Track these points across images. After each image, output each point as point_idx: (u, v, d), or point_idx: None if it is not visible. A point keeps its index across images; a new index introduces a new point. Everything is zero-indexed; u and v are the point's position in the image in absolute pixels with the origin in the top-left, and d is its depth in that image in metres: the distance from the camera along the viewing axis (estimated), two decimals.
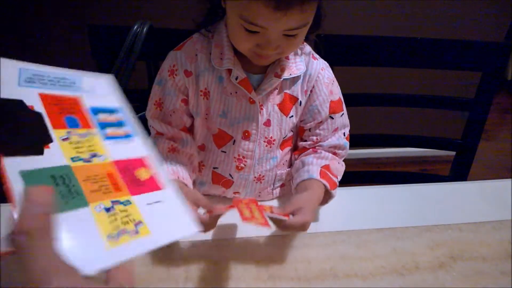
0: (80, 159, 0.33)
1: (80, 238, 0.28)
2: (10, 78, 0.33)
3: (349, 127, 0.74)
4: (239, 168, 0.70)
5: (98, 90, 0.39)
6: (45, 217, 0.26)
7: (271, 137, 0.69)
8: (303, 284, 0.55)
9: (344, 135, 0.72)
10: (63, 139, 0.33)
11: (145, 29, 0.83)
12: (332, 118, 0.70)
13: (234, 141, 0.68)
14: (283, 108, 0.68)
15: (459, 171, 1.03)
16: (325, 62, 0.72)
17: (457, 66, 0.98)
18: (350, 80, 1.10)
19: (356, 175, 1.07)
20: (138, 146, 0.38)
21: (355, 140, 1.01)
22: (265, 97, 0.66)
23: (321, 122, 0.70)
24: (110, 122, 0.38)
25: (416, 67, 1.00)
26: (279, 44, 0.58)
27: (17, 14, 1.40)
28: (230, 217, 0.67)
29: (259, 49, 0.59)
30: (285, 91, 0.68)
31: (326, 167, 0.67)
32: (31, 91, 0.34)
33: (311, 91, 0.69)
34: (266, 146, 0.69)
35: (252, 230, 0.64)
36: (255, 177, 0.71)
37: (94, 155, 0.35)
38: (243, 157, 0.69)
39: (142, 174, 0.36)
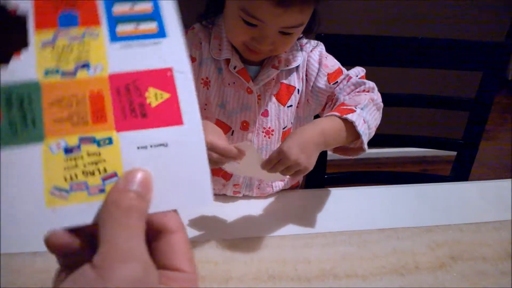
0: (58, 72, 0.24)
1: (16, 188, 0.21)
2: None
3: (364, 71, 0.72)
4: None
5: None
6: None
7: (269, 127, 0.70)
8: (303, 284, 0.55)
9: (358, 77, 0.70)
10: (45, 44, 0.24)
11: None
12: (337, 82, 0.69)
13: (233, 131, 0.69)
14: (280, 98, 0.69)
15: (459, 171, 1.03)
16: (317, 42, 0.73)
17: (457, 66, 0.97)
18: None
19: (356, 175, 1.07)
20: (165, 53, 0.25)
21: None
22: (262, 87, 0.68)
23: (332, 91, 0.70)
24: (129, 15, 0.26)
25: (416, 67, 1.00)
26: (274, 40, 0.59)
27: None
28: (230, 217, 0.68)
29: (254, 43, 0.60)
30: (282, 81, 0.69)
31: (340, 104, 0.65)
32: None
33: (306, 75, 0.70)
34: (265, 136, 0.70)
35: (252, 230, 0.64)
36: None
37: (83, 66, 0.24)
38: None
39: (153, 97, 0.24)
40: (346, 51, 0.94)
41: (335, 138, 0.59)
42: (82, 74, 0.24)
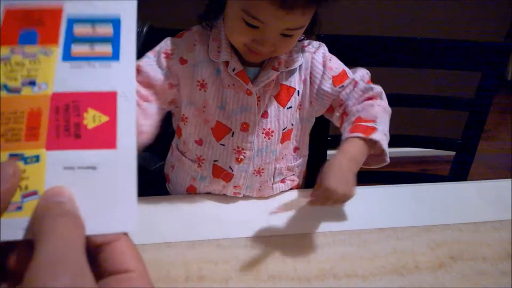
0: (5, 88, 0.24)
1: None
2: None
3: (369, 74, 0.73)
4: (239, 160, 0.71)
5: None
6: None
7: (269, 129, 0.70)
8: (303, 284, 0.55)
9: (364, 81, 0.71)
10: (1, 60, 0.25)
11: (145, 29, 0.83)
12: (343, 86, 0.70)
13: (233, 133, 0.69)
14: (280, 100, 0.69)
15: (459, 171, 1.03)
16: (320, 43, 0.73)
17: (457, 66, 0.98)
18: None
19: (356, 175, 1.07)
20: (113, 76, 0.25)
21: None
22: (261, 89, 0.67)
23: (337, 95, 0.70)
24: (88, 37, 0.26)
25: (416, 67, 1.00)
26: (275, 42, 0.59)
27: None
28: (230, 217, 0.68)
29: (254, 45, 0.60)
30: (282, 82, 0.69)
31: (357, 119, 0.65)
32: None
33: (310, 77, 0.70)
34: (265, 137, 0.70)
35: (252, 230, 0.64)
36: (254, 170, 0.72)
37: (30, 83, 0.24)
38: (242, 149, 0.70)
39: (91, 119, 0.24)
40: (346, 51, 0.94)
41: (363, 159, 0.61)
42: (26, 91, 0.24)
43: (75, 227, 0.21)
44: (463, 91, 1.12)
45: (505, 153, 2.02)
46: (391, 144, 1.04)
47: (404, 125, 1.47)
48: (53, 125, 0.23)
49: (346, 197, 0.58)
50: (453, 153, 1.04)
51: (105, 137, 0.23)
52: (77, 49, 0.26)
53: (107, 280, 0.21)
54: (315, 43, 0.72)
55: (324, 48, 0.72)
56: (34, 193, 0.22)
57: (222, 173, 0.72)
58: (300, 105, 0.71)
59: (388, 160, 0.64)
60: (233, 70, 0.65)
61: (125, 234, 0.23)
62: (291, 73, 0.69)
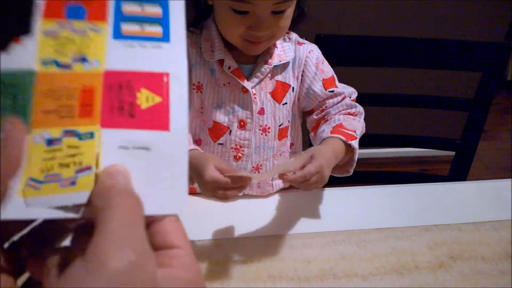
0: (55, 63, 0.24)
1: None
2: None
3: (356, 93, 0.75)
4: (237, 158, 0.71)
5: None
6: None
7: (266, 125, 0.70)
8: (303, 284, 0.55)
9: (350, 98, 0.73)
10: (48, 33, 0.24)
11: None
12: (333, 91, 0.72)
13: (230, 131, 0.69)
14: (276, 96, 0.70)
15: (458, 171, 1.03)
16: (313, 44, 0.74)
17: (457, 66, 0.98)
18: (350, 80, 1.10)
19: (356, 175, 1.07)
20: (164, 58, 0.25)
21: None
22: (257, 86, 0.68)
23: (324, 99, 0.72)
24: (137, 16, 0.26)
25: (416, 67, 1.00)
26: (270, 24, 0.60)
27: None
28: (230, 217, 0.68)
29: (251, 32, 0.60)
30: (277, 78, 0.70)
31: (338, 125, 0.68)
32: None
33: (302, 75, 0.72)
34: (262, 134, 0.71)
35: (252, 230, 0.64)
36: (253, 167, 0.72)
37: (81, 59, 0.24)
38: (240, 147, 0.70)
39: (144, 99, 0.24)
40: (346, 51, 0.94)
41: (339, 158, 0.63)
42: (78, 68, 0.24)
43: (137, 206, 0.21)
44: (463, 91, 1.12)
45: (505, 153, 2.02)
46: (391, 144, 1.05)
47: (404, 125, 1.47)
48: (107, 103, 0.23)
49: (320, 184, 0.59)
50: (453, 153, 1.05)
51: (158, 118, 0.23)
52: (127, 27, 0.25)
53: (156, 254, 0.21)
54: (308, 43, 0.73)
55: (318, 51, 0.74)
56: (88, 168, 0.22)
57: None
58: (293, 101, 0.72)
59: (351, 171, 0.67)
60: (229, 68, 0.66)
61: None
62: (285, 69, 0.70)
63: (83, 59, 0.24)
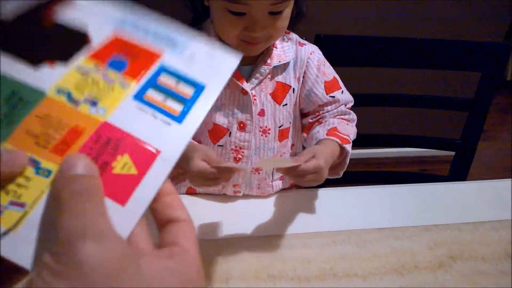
0: (67, 95, 0.24)
1: None
2: (107, 15, 0.27)
3: (352, 102, 0.76)
4: (237, 159, 0.71)
5: (198, 58, 0.28)
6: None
7: (266, 126, 0.70)
8: (303, 284, 0.55)
9: (346, 105, 0.75)
10: (80, 70, 0.25)
11: None
12: (334, 97, 0.72)
13: (230, 133, 0.69)
14: (276, 97, 0.70)
15: (458, 171, 1.03)
16: (314, 46, 0.74)
17: (457, 66, 0.98)
18: (350, 80, 1.10)
19: (356, 175, 1.07)
20: (166, 136, 0.25)
21: (355, 140, 1.01)
22: (257, 87, 0.68)
23: (323, 104, 0.72)
24: (166, 89, 0.26)
25: (416, 67, 1.00)
26: (266, 24, 0.59)
27: None
28: (230, 217, 0.68)
29: (247, 33, 0.59)
30: (277, 79, 0.69)
31: (333, 128, 0.69)
32: (107, 28, 0.27)
33: (303, 77, 0.71)
34: (262, 135, 0.71)
35: (252, 230, 0.64)
36: (252, 168, 0.72)
37: (91, 102, 0.24)
38: (240, 148, 0.70)
39: (121, 164, 0.23)
40: (345, 51, 0.94)
41: (333, 160, 0.65)
42: (84, 108, 0.24)
43: (92, 199, 0.20)
44: (463, 91, 1.12)
45: (505, 153, 2.02)
46: (391, 144, 1.05)
47: (404, 125, 1.47)
48: (84, 150, 0.23)
49: (316, 183, 0.60)
50: (453, 153, 1.05)
51: (120, 190, 0.22)
52: (151, 94, 0.26)
53: (167, 227, 0.23)
54: (310, 45, 0.73)
55: (319, 52, 0.74)
56: (22, 204, 0.21)
57: None
58: (295, 102, 0.72)
59: (341, 174, 0.69)
60: None
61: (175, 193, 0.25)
62: (285, 69, 0.70)
63: (94, 103, 0.24)
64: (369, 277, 0.57)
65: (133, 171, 0.23)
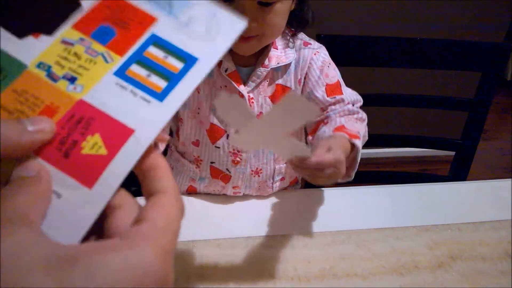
0: (47, 71, 0.23)
1: None
2: None
3: (361, 102, 0.72)
4: (235, 162, 0.71)
5: (196, 23, 0.25)
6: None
7: None
8: (303, 284, 0.55)
9: (354, 105, 0.70)
10: (66, 42, 0.24)
11: None
12: (335, 97, 0.69)
13: (228, 135, 0.69)
14: (275, 100, 0.68)
15: (458, 171, 1.03)
16: (321, 46, 0.71)
17: (457, 66, 0.98)
18: (350, 80, 1.10)
19: (356, 175, 1.07)
20: (144, 114, 0.23)
21: None
22: (255, 90, 0.67)
23: (326, 106, 0.70)
24: (153, 62, 0.24)
25: (416, 67, 1.00)
26: (256, 16, 0.57)
27: None
28: (230, 217, 0.68)
29: None
30: (277, 82, 0.68)
31: (340, 126, 0.64)
32: None
33: (305, 78, 0.69)
34: None
35: (252, 230, 0.64)
36: (252, 171, 0.72)
37: (70, 79, 0.23)
38: (238, 151, 0.70)
39: (91, 145, 0.22)
40: (346, 51, 0.94)
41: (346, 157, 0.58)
42: (62, 84, 0.23)
43: (36, 198, 0.20)
44: (463, 91, 1.12)
45: (505, 153, 2.02)
46: (391, 144, 1.05)
47: (404, 125, 1.48)
48: (56, 130, 0.22)
49: (334, 179, 0.54)
50: (453, 153, 1.05)
51: (88, 172, 0.21)
52: (135, 69, 0.24)
53: (151, 199, 0.21)
54: (316, 44, 0.71)
55: (324, 52, 0.71)
56: None
57: (220, 174, 0.72)
58: None
59: (352, 175, 0.62)
60: (226, 70, 0.64)
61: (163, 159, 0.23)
62: (287, 72, 0.68)
63: (73, 79, 0.23)
64: (369, 277, 0.57)
65: (103, 151, 0.22)
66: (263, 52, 0.66)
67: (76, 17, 0.25)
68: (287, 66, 0.67)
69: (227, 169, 0.72)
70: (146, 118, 0.23)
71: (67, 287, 0.16)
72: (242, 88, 0.65)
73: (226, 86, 0.66)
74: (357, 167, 0.63)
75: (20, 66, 0.23)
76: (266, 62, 0.65)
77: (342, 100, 0.69)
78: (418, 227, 0.66)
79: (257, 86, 0.66)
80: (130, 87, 0.23)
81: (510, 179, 0.78)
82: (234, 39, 0.25)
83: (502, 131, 2.23)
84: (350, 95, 0.71)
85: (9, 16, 0.24)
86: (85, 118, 0.22)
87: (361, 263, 0.59)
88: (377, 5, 1.53)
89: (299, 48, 0.69)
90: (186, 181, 0.75)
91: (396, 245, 0.62)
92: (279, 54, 0.67)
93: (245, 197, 0.73)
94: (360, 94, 0.98)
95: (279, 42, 0.68)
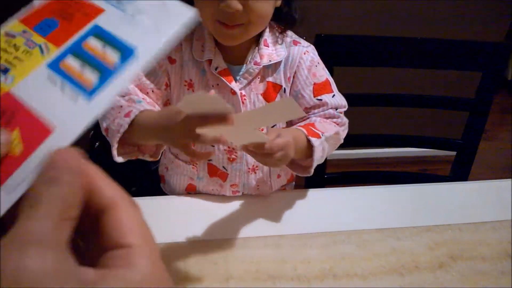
0: None
1: None
2: None
3: (345, 107, 0.72)
4: (231, 159, 0.71)
5: (142, 13, 0.24)
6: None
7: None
8: (303, 284, 0.55)
9: (337, 110, 0.71)
10: (8, 35, 0.23)
11: None
12: (321, 100, 0.69)
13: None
14: (267, 97, 0.69)
15: (459, 171, 1.03)
16: (310, 45, 0.72)
17: (457, 66, 0.98)
18: (350, 80, 1.10)
19: (356, 175, 1.07)
20: (68, 112, 0.21)
21: (356, 140, 1.01)
22: (247, 87, 0.67)
23: (310, 107, 0.70)
24: (89, 55, 0.23)
25: (416, 67, 1.00)
26: (242, 2, 0.57)
27: None
28: (230, 217, 0.68)
29: (223, 8, 0.57)
30: (268, 79, 0.68)
31: (310, 124, 0.66)
32: None
33: (293, 77, 0.69)
34: None
35: (252, 230, 0.64)
36: (248, 168, 0.72)
37: (3, 70, 0.22)
38: (233, 149, 0.70)
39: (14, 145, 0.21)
40: (345, 51, 0.94)
41: (296, 150, 0.59)
42: None
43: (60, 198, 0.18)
44: (463, 91, 1.12)
45: (505, 153, 2.02)
46: (391, 144, 1.05)
47: (404, 125, 1.47)
48: None
49: (283, 162, 0.57)
50: (454, 153, 1.05)
51: (2, 169, 0.20)
52: (69, 62, 0.23)
53: (106, 255, 0.19)
54: (305, 43, 0.71)
55: (314, 52, 0.71)
56: None
57: (217, 172, 0.72)
58: None
59: (311, 171, 0.64)
60: (216, 68, 0.64)
61: (129, 205, 0.21)
62: (276, 69, 0.68)
63: (5, 71, 0.22)
64: (369, 277, 0.57)
65: (19, 148, 0.20)
66: (254, 50, 0.66)
67: (23, 12, 0.24)
68: (277, 64, 0.68)
69: (223, 167, 0.72)
70: (69, 117, 0.21)
71: None
72: (234, 85, 0.65)
73: (218, 84, 0.66)
74: (315, 164, 0.63)
75: None
76: (258, 59, 0.66)
77: (326, 104, 0.70)
78: (419, 227, 0.66)
79: (249, 83, 0.67)
80: (60, 81, 0.22)
81: (510, 179, 0.78)
82: (179, 29, 0.23)
83: (503, 131, 2.23)
84: (335, 99, 0.71)
85: None
86: (8, 111, 0.21)
87: (361, 263, 0.59)
88: (377, 5, 1.53)
89: (288, 46, 0.69)
90: (185, 180, 0.75)
91: (396, 245, 0.62)
92: (271, 52, 0.67)
93: (245, 197, 0.73)
94: (360, 94, 0.98)
95: (269, 40, 0.68)
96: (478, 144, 1.00)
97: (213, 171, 0.73)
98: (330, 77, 0.72)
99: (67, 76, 0.22)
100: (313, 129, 0.63)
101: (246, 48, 0.67)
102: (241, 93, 0.66)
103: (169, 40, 0.23)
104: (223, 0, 0.57)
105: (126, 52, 0.23)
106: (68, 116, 0.21)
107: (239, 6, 0.57)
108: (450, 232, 0.66)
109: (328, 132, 0.65)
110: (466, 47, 0.93)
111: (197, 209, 0.69)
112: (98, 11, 0.24)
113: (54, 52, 0.23)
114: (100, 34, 0.23)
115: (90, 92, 0.22)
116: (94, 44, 0.23)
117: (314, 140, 0.61)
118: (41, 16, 0.24)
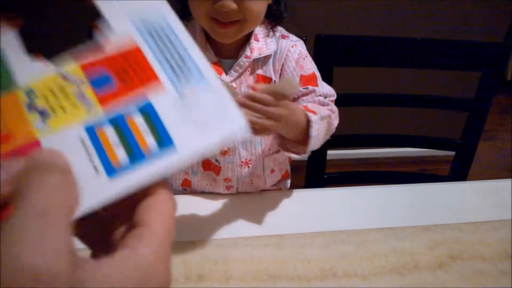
0: (30, 99, 0.22)
1: None
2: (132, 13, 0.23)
3: (335, 97, 0.72)
4: (223, 152, 0.72)
5: (198, 109, 0.22)
6: None
7: None
8: (303, 283, 0.55)
9: (326, 98, 0.70)
10: (65, 78, 0.22)
11: None
12: (307, 88, 0.70)
13: None
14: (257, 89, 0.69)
15: (458, 171, 1.03)
16: (299, 40, 0.73)
17: (457, 66, 0.98)
18: (350, 80, 1.10)
19: (356, 175, 1.08)
20: (86, 184, 0.20)
21: (355, 140, 1.01)
22: (238, 79, 0.68)
23: (298, 97, 0.70)
24: (129, 132, 0.21)
25: (416, 67, 1.00)
26: (236, 0, 0.57)
27: None
28: (230, 216, 0.68)
29: (217, 7, 0.57)
30: (258, 72, 0.69)
31: (303, 106, 0.65)
32: (131, 28, 0.23)
33: (281, 68, 0.71)
34: None
35: (252, 230, 0.64)
36: (241, 162, 0.73)
37: (44, 114, 0.21)
38: None
39: None
40: (346, 51, 0.94)
41: (292, 122, 0.59)
42: (32, 117, 0.21)
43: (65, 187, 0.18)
44: (463, 91, 1.12)
45: (505, 153, 2.03)
46: (391, 144, 1.05)
47: (404, 125, 1.48)
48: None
49: (279, 120, 0.55)
50: (453, 153, 1.05)
51: None
52: (107, 132, 0.21)
53: (144, 201, 0.20)
54: (294, 37, 0.72)
55: (302, 46, 0.72)
56: None
57: (211, 166, 0.73)
58: None
59: (307, 150, 0.62)
60: None
61: (168, 194, 0.21)
62: (266, 62, 0.69)
63: (45, 116, 0.21)
64: (369, 277, 0.57)
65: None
66: (245, 44, 0.68)
67: (90, 55, 0.23)
68: (267, 57, 0.69)
69: (216, 160, 0.72)
70: (84, 189, 0.20)
71: None
72: (224, 77, 0.67)
73: None
74: (312, 142, 0.61)
75: (10, 85, 0.21)
76: (248, 53, 0.67)
77: (314, 91, 0.70)
78: (418, 227, 0.66)
79: (239, 76, 0.68)
80: (91, 148, 0.21)
81: (510, 179, 0.78)
82: (226, 137, 0.22)
83: (502, 131, 2.23)
84: (324, 88, 0.71)
85: (34, 36, 0.23)
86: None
87: (361, 263, 0.59)
88: (377, 5, 1.53)
89: (277, 40, 0.70)
90: (180, 174, 0.76)
91: (396, 245, 0.62)
92: (261, 46, 0.68)
93: (245, 196, 0.73)
94: (360, 94, 0.98)
95: (260, 34, 0.69)
96: (477, 144, 1.00)
97: (207, 164, 0.73)
98: (317, 72, 0.73)
99: (99, 146, 0.21)
100: (307, 108, 0.64)
101: (237, 43, 0.68)
102: (232, 85, 0.68)
103: (212, 145, 0.22)
104: (219, 5, 0.57)
105: (166, 141, 0.21)
106: (85, 186, 0.20)
107: (234, 6, 0.58)
108: (450, 232, 0.66)
109: (321, 113, 0.64)
110: (465, 47, 0.93)
111: (197, 208, 0.69)
112: (154, 79, 0.23)
113: (98, 115, 0.22)
114: (150, 115, 0.22)
115: (114, 170, 0.21)
116: (139, 123, 0.22)
117: (311, 114, 0.60)
118: (101, 68, 0.23)
